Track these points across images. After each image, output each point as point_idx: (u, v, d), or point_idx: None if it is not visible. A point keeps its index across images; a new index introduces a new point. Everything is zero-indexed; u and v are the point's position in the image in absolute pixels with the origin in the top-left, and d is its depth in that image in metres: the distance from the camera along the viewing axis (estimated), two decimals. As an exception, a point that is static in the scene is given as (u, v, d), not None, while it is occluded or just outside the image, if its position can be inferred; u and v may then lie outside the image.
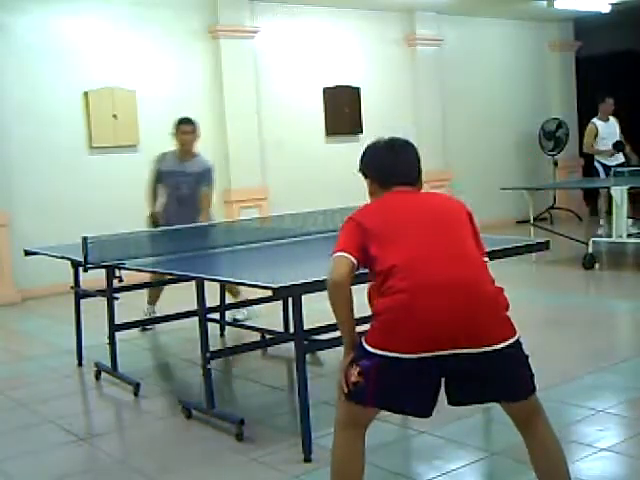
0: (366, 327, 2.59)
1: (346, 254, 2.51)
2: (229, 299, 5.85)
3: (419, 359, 2.35)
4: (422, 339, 2.35)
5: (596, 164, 9.84)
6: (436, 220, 2.58)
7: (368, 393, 2.45)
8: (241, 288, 5.76)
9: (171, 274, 4.57)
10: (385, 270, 2.45)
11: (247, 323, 5.86)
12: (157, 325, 5.85)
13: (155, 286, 6.04)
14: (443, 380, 2.44)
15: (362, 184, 2.92)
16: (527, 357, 2.51)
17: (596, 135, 9.75)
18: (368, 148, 2.86)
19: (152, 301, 6.29)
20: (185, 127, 6.00)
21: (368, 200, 2.81)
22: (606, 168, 9.75)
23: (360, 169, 2.85)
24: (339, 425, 2.60)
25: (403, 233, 2.51)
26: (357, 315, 2.71)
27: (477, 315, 2.39)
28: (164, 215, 5.98)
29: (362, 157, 2.86)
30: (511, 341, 2.44)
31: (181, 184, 5.95)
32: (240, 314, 6.15)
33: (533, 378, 2.51)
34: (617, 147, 9.57)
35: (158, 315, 5.96)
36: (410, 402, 2.45)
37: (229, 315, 5.95)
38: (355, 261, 2.50)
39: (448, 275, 2.40)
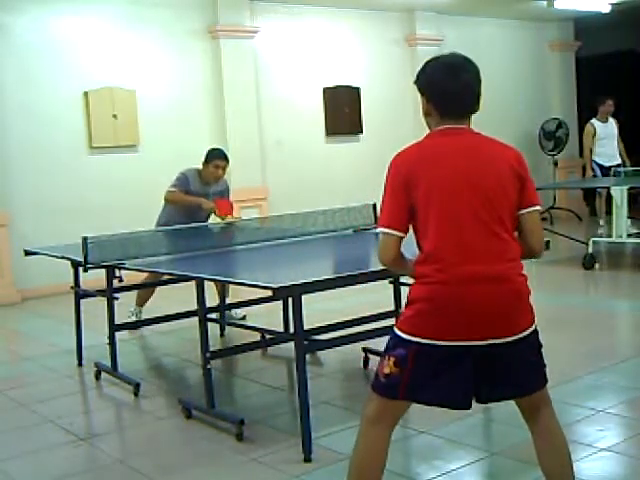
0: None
1: (391, 231, 2.42)
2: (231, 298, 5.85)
3: (453, 346, 2.35)
4: (457, 328, 2.34)
5: (593, 164, 9.86)
6: (478, 193, 2.38)
7: (402, 385, 2.40)
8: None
9: (171, 274, 4.57)
10: (422, 250, 2.44)
11: (246, 323, 5.87)
12: (157, 325, 5.83)
13: (148, 287, 6.02)
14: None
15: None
16: (541, 346, 2.55)
17: (594, 136, 9.77)
18: (428, 64, 2.69)
19: (141, 302, 6.24)
20: (220, 162, 5.97)
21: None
22: (602, 169, 9.77)
23: (416, 83, 2.67)
24: (367, 420, 2.51)
25: (442, 206, 2.38)
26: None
27: (509, 308, 2.39)
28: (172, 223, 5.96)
29: (421, 71, 2.68)
30: (533, 328, 2.48)
31: (201, 207, 5.94)
32: (234, 312, 6.17)
33: (545, 368, 2.55)
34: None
35: (159, 315, 5.94)
36: (446, 392, 2.40)
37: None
38: (402, 235, 2.43)
39: (483, 268, 2.35)
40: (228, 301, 5.90)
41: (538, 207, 2.52)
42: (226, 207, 5.97)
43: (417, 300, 2.41)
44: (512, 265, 2.43)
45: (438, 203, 2.38)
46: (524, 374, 2.49)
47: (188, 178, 5.93)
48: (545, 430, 2.56)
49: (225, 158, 6.02)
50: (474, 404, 2.47)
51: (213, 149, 6.11)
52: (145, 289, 6.13)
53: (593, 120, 9.89)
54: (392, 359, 2.40)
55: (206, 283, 3.90)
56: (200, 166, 6.00)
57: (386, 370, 2.41)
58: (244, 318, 6.19)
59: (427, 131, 2.60)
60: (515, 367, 2.45)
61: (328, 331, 4.32)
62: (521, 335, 2.41)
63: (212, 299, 5.06)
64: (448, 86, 2.56)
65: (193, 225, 5.46)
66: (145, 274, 5.70)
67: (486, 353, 2.37)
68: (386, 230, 2.43)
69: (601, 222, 9.61)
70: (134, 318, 6.09)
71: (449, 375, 2.37)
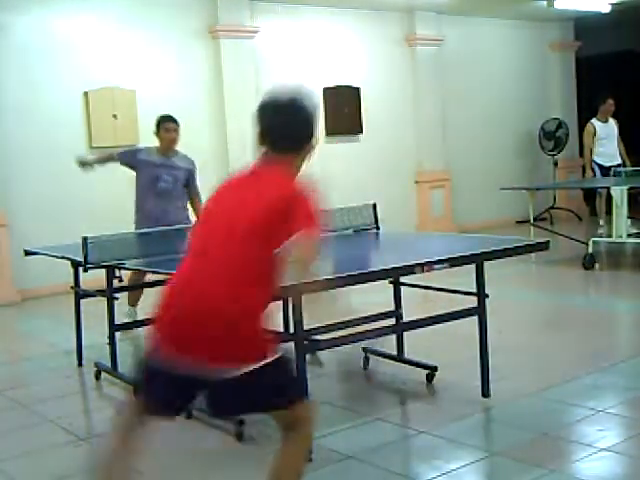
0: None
1: None
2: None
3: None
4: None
5: (593, 164, 9.87)
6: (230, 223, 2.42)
7: None
8: None
9: (171, 274, 4.56)
10: None
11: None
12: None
13: (148, 287, 5.95)
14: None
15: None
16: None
17: (594, 135, 9.77)
18: (265, 95, 2.63)
19: (133, 302, 6.09)
20: (169, 125, 5.94)
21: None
22: (602, 169, 9.78)
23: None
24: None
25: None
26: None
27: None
28: (142, 210, 5.94)
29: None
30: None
31: (161, 176, 5.89)
32: None
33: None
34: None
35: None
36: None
37: None
38: None
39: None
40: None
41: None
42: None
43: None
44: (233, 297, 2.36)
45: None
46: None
47: (136, 149, 6.07)
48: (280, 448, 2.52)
49: (173, 120, 5.98)
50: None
51: (160, 116, 6.07)
52: (135, 289, 6.05)
53: (593, 120, 9.89)
54: None
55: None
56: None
57: None
58: None
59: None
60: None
61: (328, 331, 4.32)
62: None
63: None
64: (262, 122, 2.56)
65: (192, 226, 5.44)
66: (128, 275, 5.69)
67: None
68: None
69: (601, 222, 9.61)
70: (129, 319, 6.02)
71: None
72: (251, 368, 2.32)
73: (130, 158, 6.00)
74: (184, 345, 2.35)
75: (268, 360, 2.36)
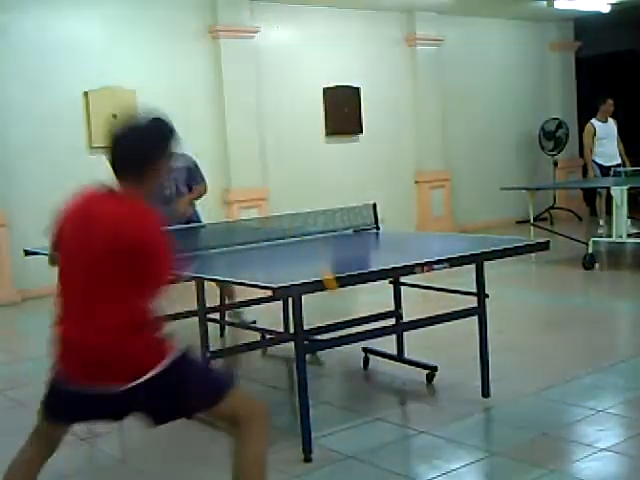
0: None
1: None
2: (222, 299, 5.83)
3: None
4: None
5: (593, 164, 9.87)
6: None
7: None
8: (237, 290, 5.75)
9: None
10: None
11: (247, 323, 5.87)
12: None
13: None
14: None
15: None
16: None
17: (594, 135, 9.78)
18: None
19: None
20: None
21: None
22: (602, 169, 9.78)
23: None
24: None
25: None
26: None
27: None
28: None
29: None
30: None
31: (166, 183, 5.78)
32: (243, 316, 6.10)
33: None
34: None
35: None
36: None
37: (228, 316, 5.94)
38: None
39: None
40: (228, 302, 5.88)
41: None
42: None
43: None
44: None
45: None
46: None
47: None
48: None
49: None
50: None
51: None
52: None
53: (593, 120, 9.89)
54: None
55: (206, 284, 3.90)
56: None
57: None
58: (254, 323, 6.10)
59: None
60: None
61: (328, 331, 4.32)
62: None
63: (212, 299, 5.06)
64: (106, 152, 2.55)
65: (193, 225, 5.45)
66: None
67: None
68: None
69: (601, 222, 9.61)
70: None
71: None
72: (134, 384, 2.40)
73: None
74: (74, 370, 2.49)
75: (155, 371, 2.42)
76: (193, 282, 4.01)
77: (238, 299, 5.97)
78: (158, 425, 2.60)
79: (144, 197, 2.50)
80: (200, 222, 5.93)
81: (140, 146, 2.49)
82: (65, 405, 2.59)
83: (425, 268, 3.53)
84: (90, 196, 2.55)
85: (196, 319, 3.93)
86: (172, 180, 5.89)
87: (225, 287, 5.70)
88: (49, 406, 2.64)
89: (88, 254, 2.44)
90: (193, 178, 6.03)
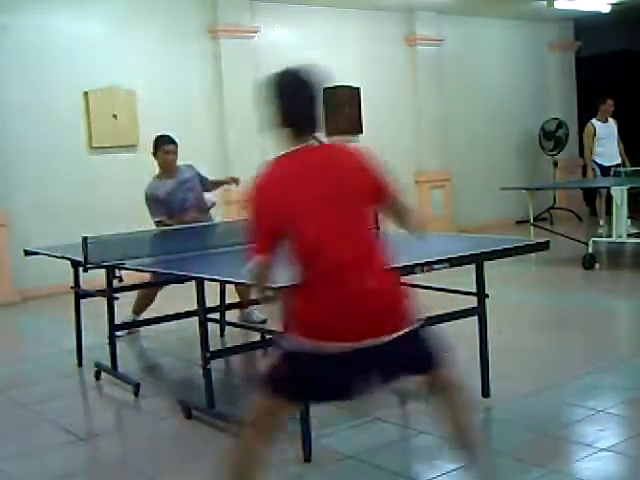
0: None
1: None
2: (231, 298, 5.83)
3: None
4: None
5: (592, 164, 9.88)
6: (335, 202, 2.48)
7: None
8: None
9: (171, 274, 4.57)
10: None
11: (246, 323, 5.87)
12: (157, 325, 5.85)
13: (148, 287, 5.91)
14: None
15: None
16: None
17: (594, 135, 9.78)
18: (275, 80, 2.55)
19: (138, 311, 6.03)
20: (169, 147, 5.84)
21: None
22: (602, 168, 9.78)
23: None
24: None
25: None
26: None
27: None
28: None
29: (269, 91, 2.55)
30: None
31: (186, 196, 5.86)
32: (255, 315, 6.07)
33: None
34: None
35: (159, 315, 5.93)
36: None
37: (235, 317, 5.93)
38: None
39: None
40: (228, 301, 5.87)
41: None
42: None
43: None
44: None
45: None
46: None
47: (154, 195, 5.81)
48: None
49: (172, 142, 5.87)
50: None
51: (157, 137, 5.95)
52: (142, 299, 5.99)
53: (593, 120, 9.90)
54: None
55: (208, 283, 3.89)
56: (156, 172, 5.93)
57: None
58: (265, 322, 6.08)
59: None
60: None
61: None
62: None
63: (212, 299, 5.06)
64: (300, 101, 2.59)
65: (193, 225, 5.45)
66: (148, 276, 5.67)
67: None
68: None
69: (601, 222, 9.61)
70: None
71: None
72: (404, 331, 2.45)
73: (163, 209, 5.80)
74: (351, 325, 2.41)
75: (415, 325, 2.50)
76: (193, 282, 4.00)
77: (238, 299, 5.97)
78: (383, 386, 2.64)
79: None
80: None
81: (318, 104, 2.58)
82: (331, 374, 2.45)
83: (425, 268, 3.53)
84: (304, 151, 2.55)
85: (196, 319, 3.93)
86: (187, 190, 5.90)
87: (243, 289, 5.69)
88: (306, 383, 2.49)
89: (349, 198, 2.48)
90: (205, 183, 6.12)
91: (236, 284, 5.13)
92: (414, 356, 2.55)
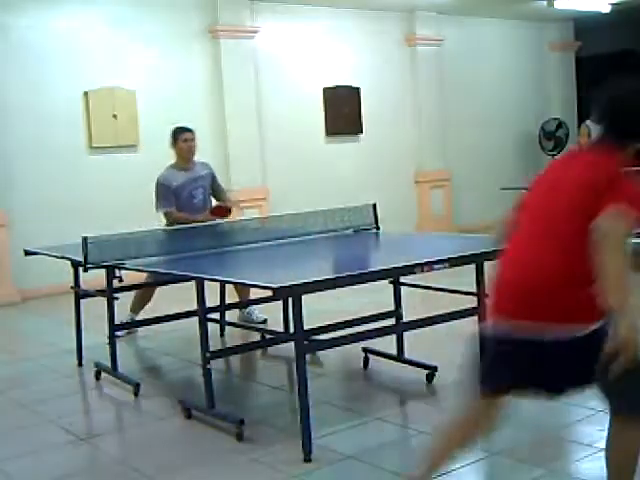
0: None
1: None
2: (231, 298, 5.83)
3: None
4: None
5: None
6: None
7: None
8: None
9: (171, 274, 4.57)
10: None
11: (246, 323, 5.87)
12: (157, 325, 5.85)
13: (148, 286, 5.92)
14: None
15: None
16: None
17: (589, 136, 9.77)
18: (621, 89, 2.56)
19: (136, 309, 6.06)
20: (187, 135, 5.97)
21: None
22: None
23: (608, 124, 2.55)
24: None
25: None
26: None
27: None
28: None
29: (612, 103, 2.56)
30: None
31: (195, 192, 5.93)
32: (255, 315, 6.08)
33: None
34: None
35: (159, 315, 5.93)
36: None
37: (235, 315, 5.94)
38: None
39: None
40: (228, 301, 5.88)
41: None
42: (222, 213, 5.98)
43: None
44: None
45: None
46: None
47: (166, 183, 5.87)
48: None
49: (189, 130, 6.02)
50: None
51: (176, 128, 6.07)
52: (140, 297, 6.02)
53: (588, 121, 9.89)
54: None
55: (208, 283, 3.90)
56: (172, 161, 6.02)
57: None
58: (265, 322, 6.11)
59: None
60: None
61: (328, 331, 4.32)
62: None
63: (212, 299, 5.06)
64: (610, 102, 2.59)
65: (193, 225, 5.45)
66: (145, 275, 5.67)
67: None
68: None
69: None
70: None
71: None
72: (586, 331, 2.40)
73: (173, 198, 5.87)
74: (525, 311, 2.44)
75: (594, 327, 2.41)
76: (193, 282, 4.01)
77: (238, 299, 5.98)
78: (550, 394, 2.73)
79: (623, 160, 2.50)
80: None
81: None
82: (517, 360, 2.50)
83: (425, 268, 3.53)
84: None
85: (196, 319, 3.93)
86: (198, 187, 5.94)
87: (242, 288, 5.71)
88: (496, 369, 2.55)
89: (564, 199, 2.53)
90: (215, 184, 6.16)
91: (236, 284, 5.14)
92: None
